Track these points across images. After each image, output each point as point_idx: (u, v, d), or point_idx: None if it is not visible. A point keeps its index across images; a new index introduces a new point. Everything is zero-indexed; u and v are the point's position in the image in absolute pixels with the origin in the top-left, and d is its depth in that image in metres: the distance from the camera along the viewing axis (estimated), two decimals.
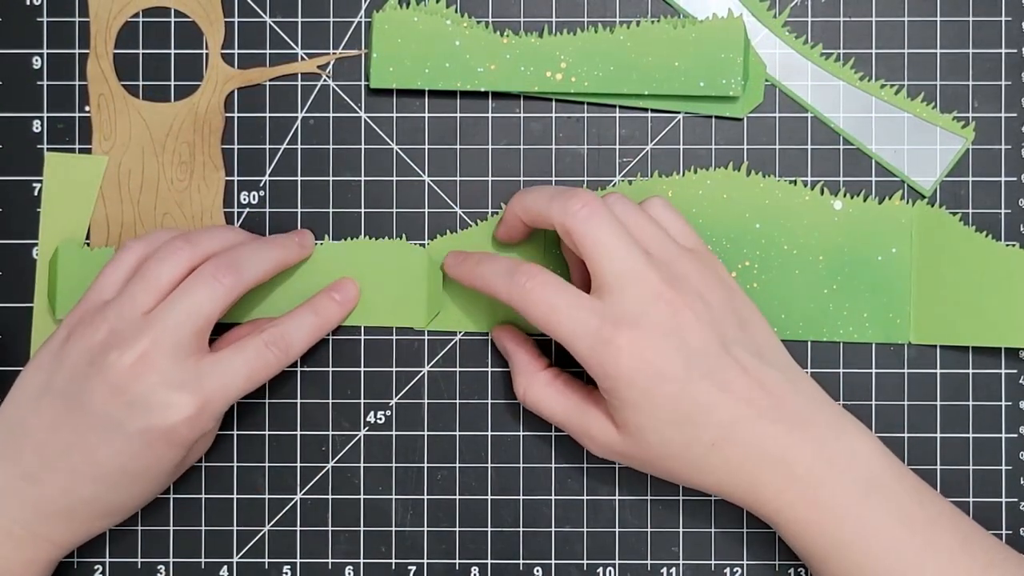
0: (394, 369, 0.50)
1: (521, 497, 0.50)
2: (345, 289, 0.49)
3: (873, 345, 0.50)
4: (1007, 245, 0.49)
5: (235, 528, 0.50)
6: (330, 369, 0.50)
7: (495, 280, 0.44)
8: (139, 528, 0.50)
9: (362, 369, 0.50)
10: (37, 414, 0.44)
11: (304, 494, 0.50)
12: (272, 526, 0.50)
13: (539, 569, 0.50)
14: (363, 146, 0.50)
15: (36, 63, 0.50)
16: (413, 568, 0.50)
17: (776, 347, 0.45)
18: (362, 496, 0.50)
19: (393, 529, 0.50)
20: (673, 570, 0.50)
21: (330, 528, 0.50)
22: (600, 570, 0.50)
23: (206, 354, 0.44)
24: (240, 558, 0.50)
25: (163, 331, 0.43)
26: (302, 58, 0.50)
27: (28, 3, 0.50)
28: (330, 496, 0.50)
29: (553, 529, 0.50)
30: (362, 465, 0.50)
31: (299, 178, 0.50)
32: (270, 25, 0.50)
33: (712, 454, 0.43)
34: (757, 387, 0.43)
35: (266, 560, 0.50)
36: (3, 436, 0.44)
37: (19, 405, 0.44)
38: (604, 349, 0.42)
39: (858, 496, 0.43)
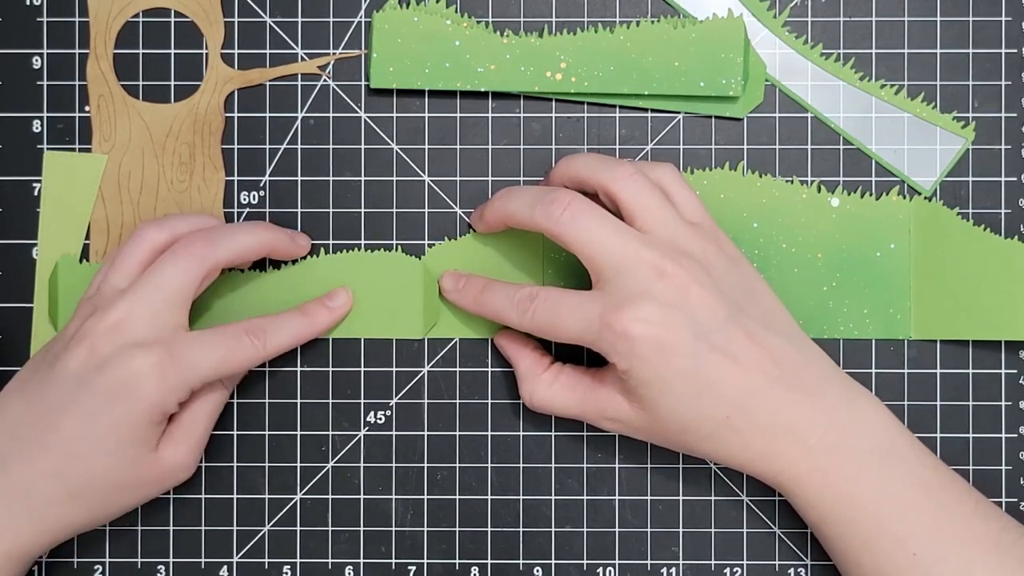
0: (394, 369, 0.50)
1: (521, 497, 0.50)
2: (336, 296, 0.49)
3: (873, 344, 0.50)
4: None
5: (235, 528, 0.50)
6: (330, 369, 0.50)
7: (503, 313, 0.46)
8: (139, 528, 0.50)
9: (362, 369, 0.50)
10: (17, 398, 0.44)
11: (304, 494, 0.50)
12: (272, 526, 0.50)
13: (539, 569, 0.50)
14: (363, 146, 0.50)
15: (36, 63, 0.50)
16: (413, 568, 0.50)
17: (783, 316, 0.45)
18: (362, 496, 0.50)
19: (393, 529, 0.50)
20: (673, 570, 0.50)
21: (330, 528, 0.50)
22: (600, 570, 0.50)
23: (184, 330, 0.44)
24: (240, 558, 0.50)
25: (136, 300, 0.43)
26: (302, 58, 0.50)
27: (28, 3, 0.50)
28: (330, 496, 0.50)
29: (553, 529, 0.50)
30: (362, 465, 0.50)
31: (299, 178, 0.50)
32: (270, 25, 0.50)
33: (726, 427, 0.43)
34: (766, 357, 0.43)
35: (266, 560, 0.50)
36: None
37: (8, 387, 0.45)
38: (611, 332, 0.42)
39: (873, 462, 0.43)
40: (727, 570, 0.50)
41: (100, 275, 0.46)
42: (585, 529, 0.50)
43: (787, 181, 0.50)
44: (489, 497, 0.50)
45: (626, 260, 0.43)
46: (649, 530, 0.50)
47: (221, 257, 0.45)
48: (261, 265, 0.50)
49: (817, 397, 0.43)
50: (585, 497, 0.50)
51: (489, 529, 0.50)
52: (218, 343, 0.44)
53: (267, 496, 0.50)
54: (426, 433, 0.50)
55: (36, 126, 0.50)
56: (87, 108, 0.50)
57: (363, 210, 0.50)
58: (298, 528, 0.50)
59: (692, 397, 0.43)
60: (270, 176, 0.50)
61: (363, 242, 0.50)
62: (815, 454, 0.43)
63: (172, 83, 0.50)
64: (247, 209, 0.50)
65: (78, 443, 0.43)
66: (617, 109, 0.50)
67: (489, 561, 0.50)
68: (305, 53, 0.50)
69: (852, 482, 0.43)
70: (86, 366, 0.43)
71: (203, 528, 0.50)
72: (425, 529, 0.50)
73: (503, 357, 0.49)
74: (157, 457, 0.45)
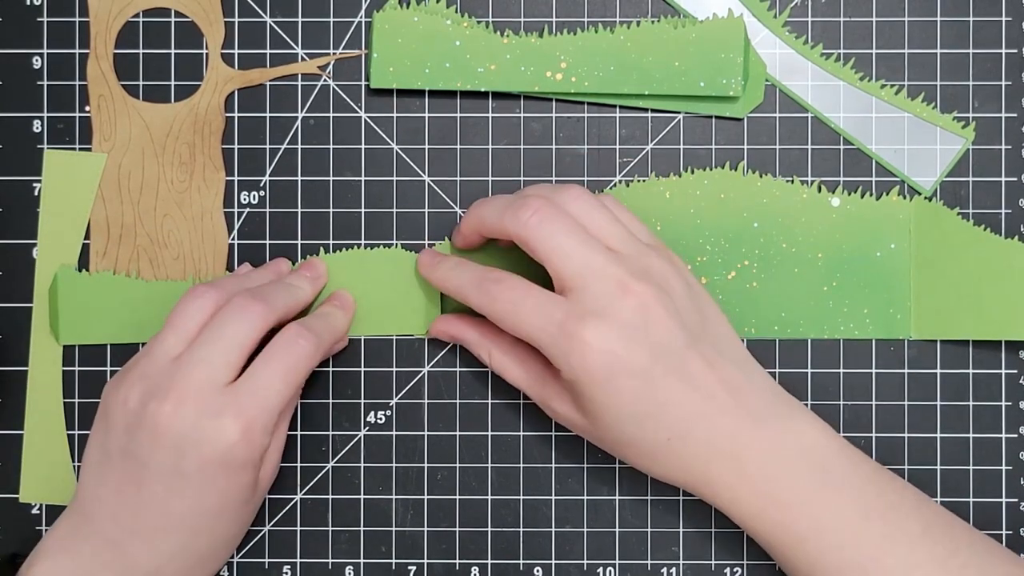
0: (394, 369, 0.50)
1: (521, 497, 0.50)
2: (341, 296, 0.49)
3: (873, 345, 0.50)
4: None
5: None
6: (330, 369, 0.50)
7: (465, 289, 0.45)
8: None
9: (362, 369, 0.50)
10: (103, 483, 0.43)
11: (304, 494, 0.50)
12: (272, 526, 0.50)
13: (539, 569, 0.50)
14: (363, 146, 0.50)
15: (36, 63, 0.50)
16: (413, 568, 0.50)
17: (733, 341, 0.45)
18: (362, 496, 0.50)
19: (393, 529, 0.50)
20: (673, 570, 0.50)
21: (330, 528, 0.50)
22: (600, 570, 0.50)
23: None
24: (240, 558, 0.50)
25: (193, 368, 0.42)
26: (302, 58, 0.50)
27: (28, 3, 0.50)
28: (330, 496, 0.50)
29: (553, 529, 0.50)
30: (362, 465, 0.50)
31: (299, 178, 0.50)
32: (270, 25, 0.50)
33: (666, 448, 0.43)
34: (718, 383, 0.43)
35: (266, 560, 0.50)
36: (81, 513, 0.44)
37: (87, 480, 0.44)
38: (568, 342, 0.41)
39: (811, 490, 0.42)
40: (727, 570, 0.50)
41: (153, 340, 0.45)
42: (585, 529, 0.50)
43: (787, 181, 0.50)
44: (489, 497, 0.50)
45: (589, 272, 0.42)
46: (649, 530, 0.50)
47: (276, 314, 0.44)
48: (262, 264, 0.50)
49: (760, 424, 0.43)
50: (585, 497, 0.50)
51: (489, 529, 0.50)
52: (276, 365, 0.43)
53: (267, 496, 0.50)
54: (426, 433, 0.50)
55: (36, 126, 0.50)
56: (87, 108, 0.50)
57: (363, 210, 0.50)
58: (298, 528, 0.50)
59: (637, 417, 0.42)
60: (270, 176, 0.50)
61: (363, 242, 0.50)
62: (753, 481, 0.42)
63: (172, 83, 0.50)
64: (247, 209, 0.50)
65: (194, 521, 0.43)
66: (617, 109, 0.50)
67: (489, 561, 0.50)
68: (305, 53, 0.50)
69: (791, 510, 0.42)
70: (166, 451, 0.42)
71: None
72: (425, 529, 0.50)
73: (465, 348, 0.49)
74: (258, 486, 0.45)
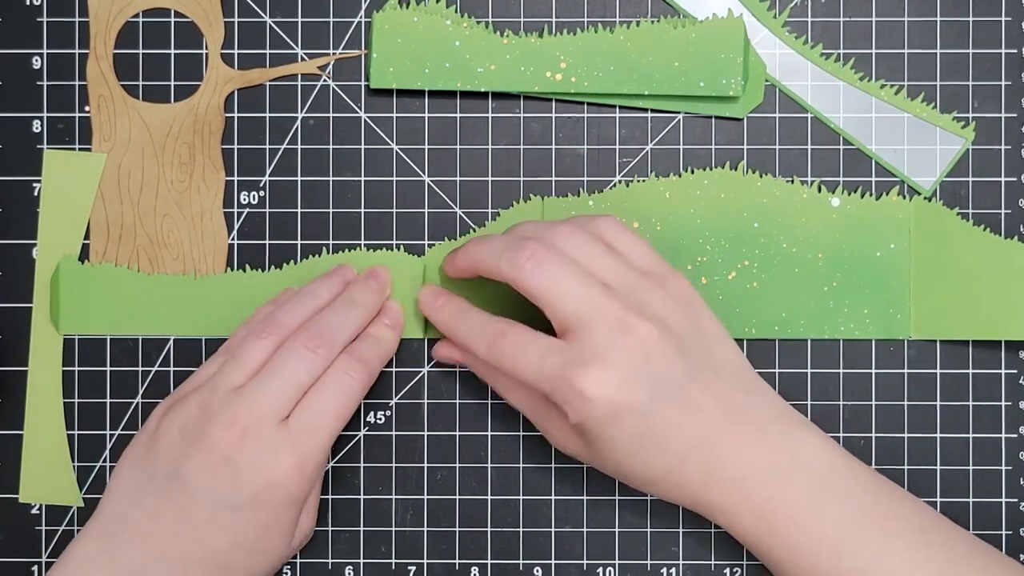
0: (394, 369, 0.50)
1: (521, 497, 0.50)
2: (392, 314, 0.48)
3: (873, 345, 0.50)
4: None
5: None
6: None
7: (471, 340, 0.45)
8: None
9: None
10: (137, 505, 0.43)
11: None
12: None
13: (539, 569, 0.50)
14: (363, 146, 0.50)
15: (36, 63, 0.50)
16: (413, 568, 0.50)
17: (737, 360, 0.45)
18: (362, 496, 0.50)
19: (393, 529, 0.50)
20: (673, 570, 0.50)
21: (330, 528, 0.50)
22: (600, 570, 0.50)
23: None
24: None
25: (259, 404, 0.43)
26: (302, 58, 0.50)
27: (28, 3, 0.50)
28: (330, 496, 0.50)
29: (553, 529, 0.50)
30: (362, 465, 0.50)
31: (299, 178, 0.50)
32: (270, 25, 0.50)
33: (667, 479, 0.43)
34: (717, 407, 0.43)
35: None
36: (104, 533, 0.43)
37: (118, 499, 0.44)
38: (569, 389, 0.42)
39: (810, 501, 0.42)
40: (727, 570, 0.50)
41: (213, 365, 0.46)
42: (585, 529, 0.50)
43: (787, 181, 0.50)
44: (489, 497, 0.50)
45: (587, 313, 0.42)
46: (649, 530, 0.50)
47: (338, 351, 0.45)
48: (262, 264, 0.50)
49: (759, 441, 0.43)
50: (585, 497, 0.50)
51: (489, 529, 0.50)
52: (329, 404, 0.44)
53: None
54: (426, 433, 0.50)
55: (36, 126, 0.50)
56: (87, 108, 0.50)
57: (363, 210, 0.50)
58: None
59: (638, 452, 0.42)
60: (270, 176, 0.50)
61: (363, 242, 0.50)
62: (753, 496, 0.43)
63: (172, 83, 0.50)
64: (247, 209, 0.50)
65: (228, 554, 0.43)
66: (617, 109, 0.50)
67: (489, 561, 0.50)
68: (305, 53, 0.50)
69: (789, 522, 0.42)
70: (219, 479, 0.42)
71: None
72: (425, 529, 0.50)
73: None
74: (295, 536, 0.45)
